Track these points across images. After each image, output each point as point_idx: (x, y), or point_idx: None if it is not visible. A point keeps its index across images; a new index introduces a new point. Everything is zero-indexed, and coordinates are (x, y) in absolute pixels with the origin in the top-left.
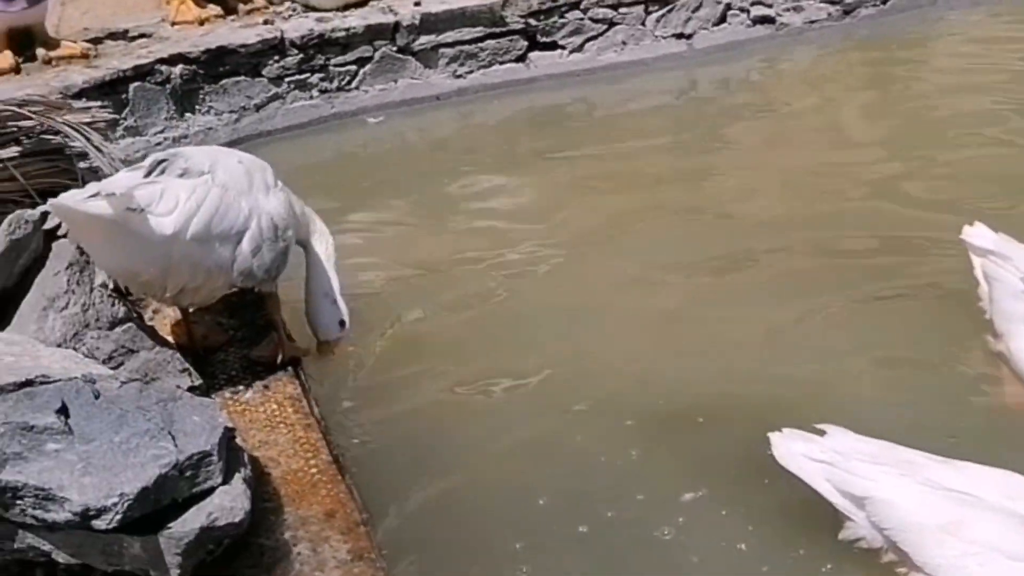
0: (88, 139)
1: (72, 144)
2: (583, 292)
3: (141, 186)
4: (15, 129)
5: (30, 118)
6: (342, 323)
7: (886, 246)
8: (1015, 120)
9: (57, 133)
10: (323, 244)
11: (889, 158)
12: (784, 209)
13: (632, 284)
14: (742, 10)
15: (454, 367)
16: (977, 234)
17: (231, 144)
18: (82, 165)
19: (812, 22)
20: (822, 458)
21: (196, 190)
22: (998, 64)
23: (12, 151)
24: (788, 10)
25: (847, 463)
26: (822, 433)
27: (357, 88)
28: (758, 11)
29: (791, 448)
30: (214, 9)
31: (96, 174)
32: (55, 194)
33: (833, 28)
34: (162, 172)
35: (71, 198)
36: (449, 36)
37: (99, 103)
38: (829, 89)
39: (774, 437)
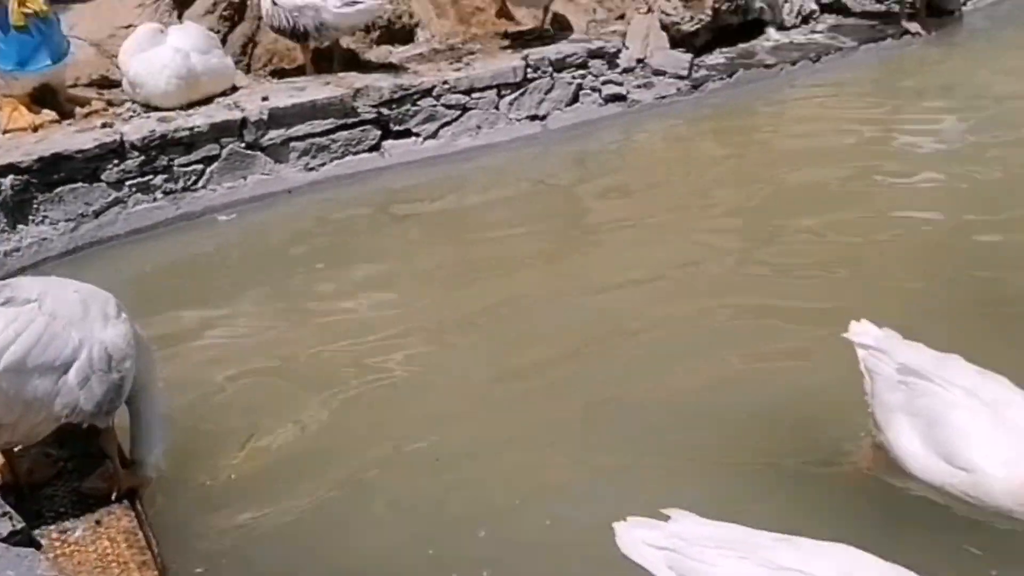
0: None
1: None
2: (450, 389)
3: None
4: None
5: None
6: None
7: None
8: (858, 184)
9: None
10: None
11: (745, 228)
12: (647, 291)
13: (498, 380)
14: (594, 89)
15: (316, 478)
16: (861, 331)
17: (69, 254)
18: None
19: (662, 97)
20: (665, 545)
21: (18, 319)
22: (840, 133)
23: None
24: (639, 87)
25: (689, 548)
26: (667, 518)
27: (204, 187)
28: (609, 90)
29: (634, 536)
30: (49, 114)
31: None
32: None
33: (683, 103)
34: None
35: None
36: (300, 129)
37: None
38: (680, 163)
39: (618, 527)
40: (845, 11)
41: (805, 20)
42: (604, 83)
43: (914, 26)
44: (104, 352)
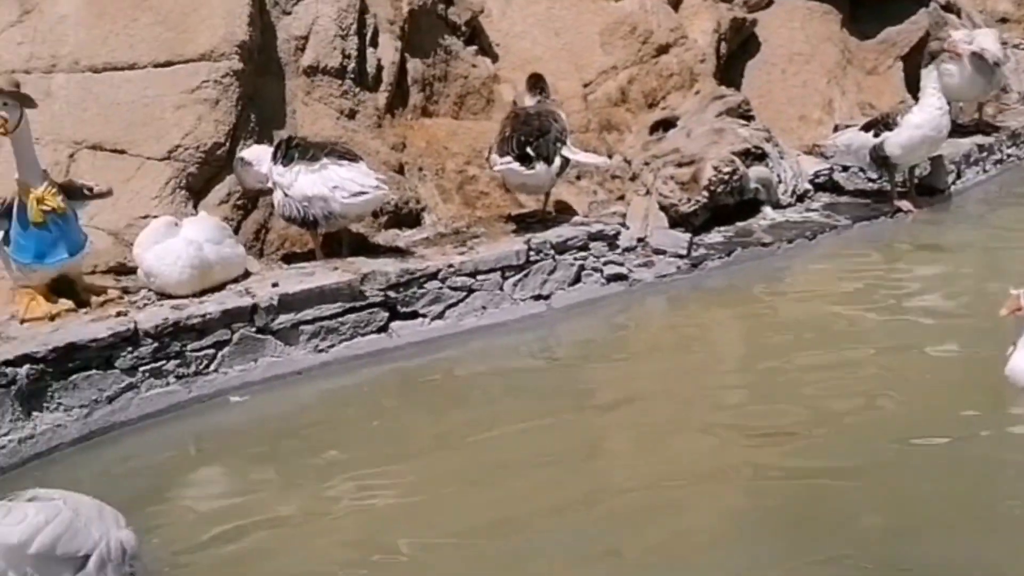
0: None
1: None
2: None
3: None
4: None
5: None
6: None
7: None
8: (869, 368)
9: None
10: None
11: (750, 404)
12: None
13: None
14: (595, 269)
15: None
16: None
17: (83, 440)
18: None
19: (663, 276)
20: None
21: (45, 509)
22: (839, 308)
23: None
24: (640, 266)
25: None
26: None
27: (216, 371)
28: (611, 269)
29: None
30: (66, 303)
31: None
32: None
33: (683, 281)
34: (10, 500)
35: None
36: (309, 313)
37: None
38: (682, 340)
39: None
40: (838, 190)
41: (800, 199)
42: (605, 263)
43: (905, 204)
44: (120, 546)
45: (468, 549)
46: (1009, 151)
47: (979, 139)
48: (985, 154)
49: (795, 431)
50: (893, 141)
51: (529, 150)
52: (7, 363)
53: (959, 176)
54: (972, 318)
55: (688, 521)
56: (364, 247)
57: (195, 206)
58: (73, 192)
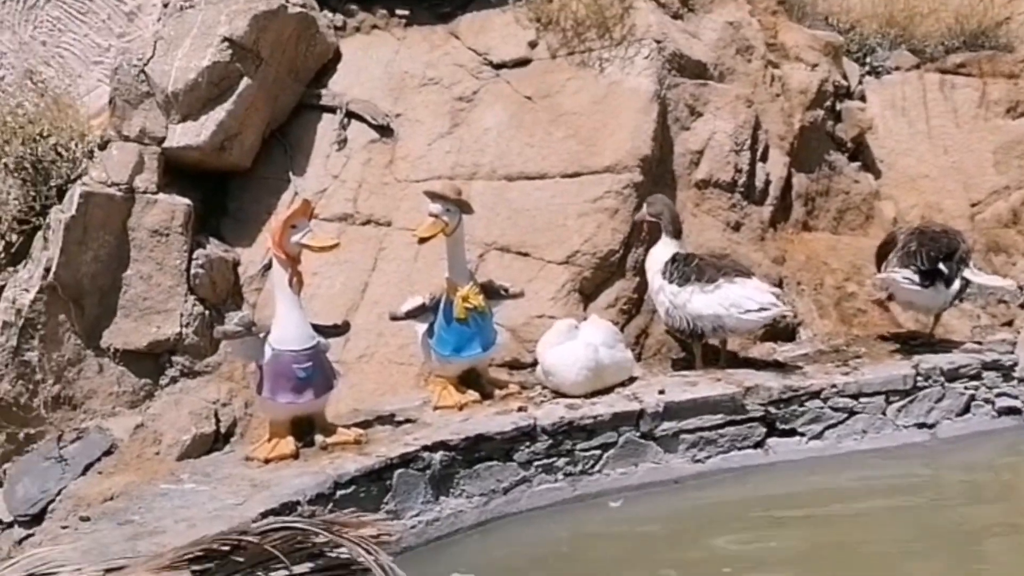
0: (376, 558)
1: (358, 560)
2: None
3: None
4: (310, 545)
5: (325, 535)
6: None
7: None
8: None
9: (342, 547)
10: None
11: None
12: None
13: None
14: (987, 401)
15: None
16: None
17: (479, 526)
18: None
19: None
20: None
21: None
22: None
23: (306, 567)
24: None
25: None
26: None
27: (599, 471)
28: (1003, 402)
29: None
30: (472, 395)
31: None
32: None
33: None
34: None
35: None
36: (691, 423)
37: (383, 516)
38: None
39: None
40: None
41: None
42: (998, 395)
43: None
44: None
45: None
46: None
47: None
48: None
49: None
50: None
51: (942, 266)
52: (426, 448)
53: None
54: None
55: None
56: (740, 360)
57: (585, 307)
58: (491, 292)
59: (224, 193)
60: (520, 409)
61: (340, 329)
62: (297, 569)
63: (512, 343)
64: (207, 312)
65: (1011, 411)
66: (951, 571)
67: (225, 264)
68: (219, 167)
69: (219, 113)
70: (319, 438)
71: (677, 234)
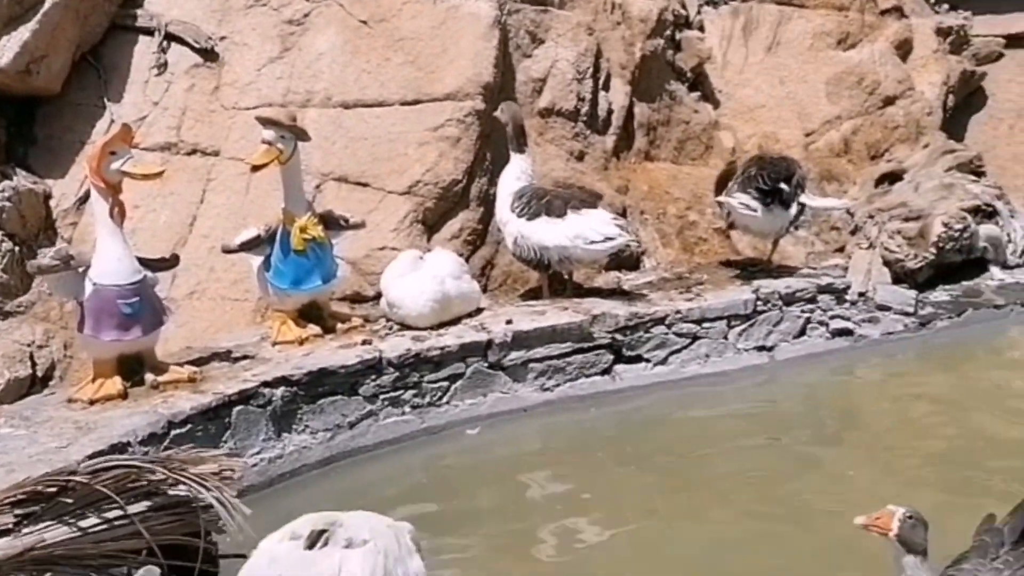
0: (218, 495)
1: (199, 497)
2: None
3: (321, 563)
4: (145, 484)
5: (162, 472)
6: None
7: None
8: None
9: (182, 485)
10: None
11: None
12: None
13: None
14: (821, 323)
15: None
16: None
17: (325, 463)
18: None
19: (889, 334)
20: None
21: (364, 561)
22: None
23: (142, 506)
24: (866, 322)
25: None
26: None
27: (448, 403)
28: (837, 324)
29: None
30: (313, 329)
31: (219, 526)
32: (177, 549)
33: (911, 340)
34: (325, 543)
35: None
36: (539, 352)
37: (224, 451)
38: (906, 403)
39: None
40: None
41: None
42: (832, 317)
43: None
44: None
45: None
46: None
47: None
48: None
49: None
50: None
51: (783, 185)
52: (265, 384)
53: None
54: None
55: None
56: (586, 289)
57: (428, 239)
58: (331, 223)
59: (32, 120)
60: (364, 342)
61: (168, 262)
62: (132, 508)
63: (354, 276)
64: (17, 248)
65: (844, 332)
66: (792, 486)
67: (35, 196)
68: (25, 92)
69: (22, 33)
70: (149, 377)
71: (521, 148)
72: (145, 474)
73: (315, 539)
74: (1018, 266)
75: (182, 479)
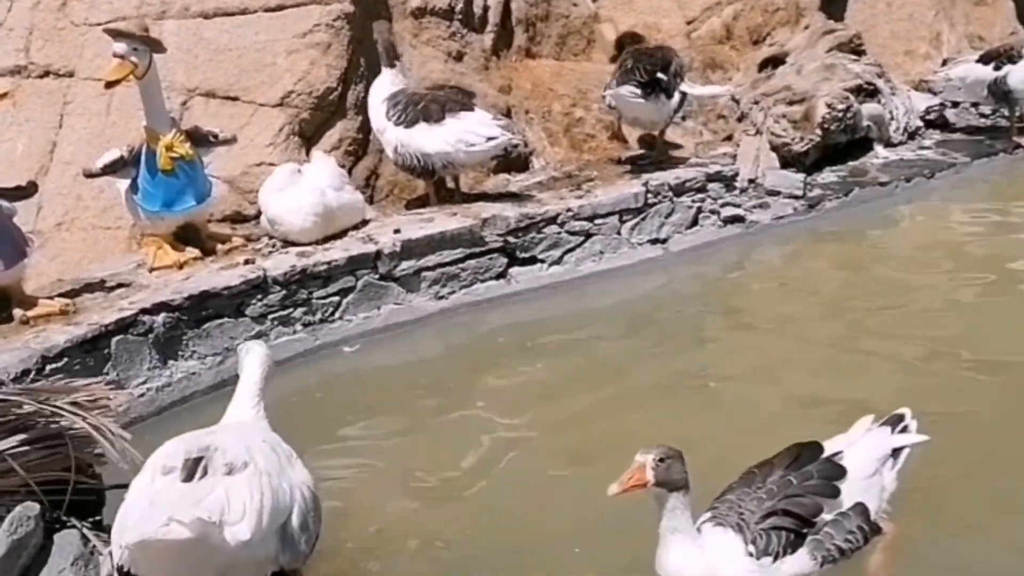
0: (95, 423)
1: (74, 428)
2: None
3: (206, 497)
4: (14, 417)
5: (30, 404)
6: None
7: None
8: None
9: (58, 417)
10: None
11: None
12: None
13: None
14: (713, 212)
15: None
16: None
17: (216, 388)
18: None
19: (780, 218)
20: None
21: (251, 486)
22: (956, 252)
23: (12, 441)
24: (756, 208)
25: None
26: None
27: (340, 319)
28: (728, 211)
29: None
30: (192, 251)
31: (99, 458)
32: (55, 484)
33: (801, 222)
34: (204, 473)
35: (146, 530)
36: (430, 260)
37: (101, 380)
38: (801, 284)
39: None
40: (949, 127)
41: (911, 136)
42: (723, 205)
43: None
44: (309, 492)
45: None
46: None
47: None
48: None
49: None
50: (1018, 75)
51: (660, 75)
52: (144, 311)
53: None
54: None
55: None
56: (476, 193)
57: (307, 152)
58: (199, 139)
59: None
60: (247, 262)
61: (24, 191)
62: (1, 444)
63: (231, 195)
64: None
65: (735, 219)
66: (692, 377)
67: None
68: None
69: None
70: (18, 312)
71: (391, 63)
72: (12, 407)
73: (192, 469)
74: (901, 143)
75: (54, 409)
